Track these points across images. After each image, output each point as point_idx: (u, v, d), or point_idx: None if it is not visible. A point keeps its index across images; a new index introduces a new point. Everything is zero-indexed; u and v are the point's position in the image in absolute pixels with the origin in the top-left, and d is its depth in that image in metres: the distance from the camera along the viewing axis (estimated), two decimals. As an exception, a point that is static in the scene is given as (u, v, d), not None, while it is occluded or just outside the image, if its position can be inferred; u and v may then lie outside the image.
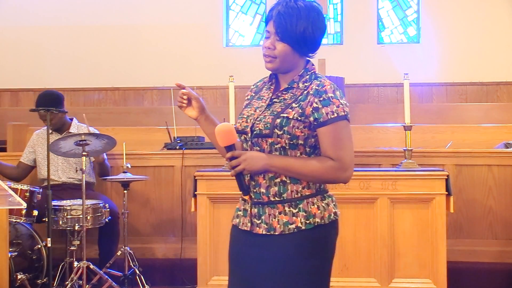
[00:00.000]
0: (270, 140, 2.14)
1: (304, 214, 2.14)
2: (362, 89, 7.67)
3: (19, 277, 4.06)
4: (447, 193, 4.04)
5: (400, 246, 4.08)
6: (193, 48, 7.90)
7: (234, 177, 2.14)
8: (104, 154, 4.68)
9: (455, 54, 7.60)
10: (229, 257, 2.30)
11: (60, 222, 4.19)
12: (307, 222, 2.14)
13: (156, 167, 5.13)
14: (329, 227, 2.18)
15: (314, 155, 2.17)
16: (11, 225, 4.12)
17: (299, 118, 2.12)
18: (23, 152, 4.94)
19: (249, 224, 2.19)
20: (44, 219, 4.20)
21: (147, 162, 5.13)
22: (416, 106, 6.11)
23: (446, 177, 4.05)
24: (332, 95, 2.13)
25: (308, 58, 2.24)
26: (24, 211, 4.22)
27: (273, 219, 2.15)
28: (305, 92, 2.16)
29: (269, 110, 2.18)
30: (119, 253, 4.44)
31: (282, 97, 2.20)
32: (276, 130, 2.12)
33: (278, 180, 2.15)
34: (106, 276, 4.24)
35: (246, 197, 2.15)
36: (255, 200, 2.18)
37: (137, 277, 4.37)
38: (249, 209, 2.19)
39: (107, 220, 4.41)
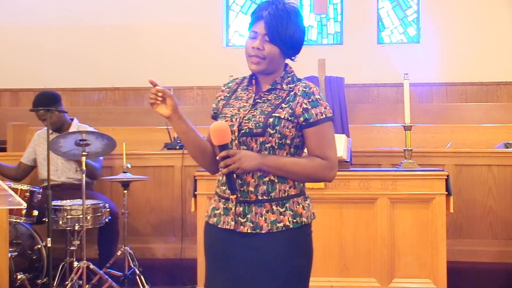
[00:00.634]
0: (261, 139, 2.15)
1: (291, 213, 2.17)
2: (362, 89, 7.67)
3: (19, 277, 4.07)
4: (447, 193, 4.04)
5: (400, 246, 4.08)
6: (193, 48, 7.90)
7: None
8: None
9: (455, 54, 7.60)
10: (208, 258, 2.27)
11: (60, 222, 4.20)
12: (294, 221, 2.17)
13: (156, 167, 5.14)
14: (310, 227, 2.24)
15: (297, 155, 2.21)
16: (11, 225, 4.12)
17: (289, 118, 2.16)
18: (23, 152, 4.94)
19: (232, 223, 2.17)
20: (44, 219, 4.20)
21: (147, 162, 5.13)
22: (416, 106, 6.12)
23: (446, 177, 4.05)
24: (319, 97, 2.20)
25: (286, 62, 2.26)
26: (24, 211, 4.22)
27: (260, 218, 2.15)
28: (292, 93, 2.19)
29: (256, 110, 2.19)
30: (119, 253, 4.44)
31: (265, 98, 2.22)
32: (269, 129, 2.14)
33: (267, 179, 2.16)
34: (106, 276, 4.24)
35: (233, 197, 2.13)
36: (241, 198, 2.17)
37: (137, 277, 4.37)
38: (233, 208, 2.17)
39: (107, 220, 4.41)
